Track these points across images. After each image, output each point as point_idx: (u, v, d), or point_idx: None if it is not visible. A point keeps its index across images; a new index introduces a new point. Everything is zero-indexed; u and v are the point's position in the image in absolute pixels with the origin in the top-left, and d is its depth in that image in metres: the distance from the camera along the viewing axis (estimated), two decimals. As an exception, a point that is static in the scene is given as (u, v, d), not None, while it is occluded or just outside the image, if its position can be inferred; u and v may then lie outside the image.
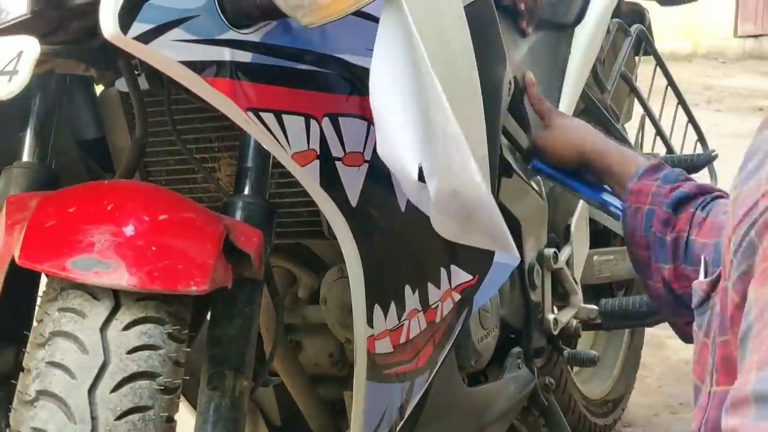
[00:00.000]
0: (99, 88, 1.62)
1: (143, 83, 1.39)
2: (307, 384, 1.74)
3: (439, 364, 1.60)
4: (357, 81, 1.31)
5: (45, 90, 1.37)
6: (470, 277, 1.54)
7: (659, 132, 2.51)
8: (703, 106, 6.95)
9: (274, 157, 1.28)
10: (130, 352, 1.07)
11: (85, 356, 1.06)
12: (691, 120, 2.61)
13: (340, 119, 1.27)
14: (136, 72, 1.36)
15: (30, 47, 1.03)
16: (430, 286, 1.49)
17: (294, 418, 1.81)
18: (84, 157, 1.63)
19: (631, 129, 2.57)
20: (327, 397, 1.78)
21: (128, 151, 1.43)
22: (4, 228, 1.20)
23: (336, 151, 1.27)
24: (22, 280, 1.19)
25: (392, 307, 1.42)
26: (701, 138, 2.60)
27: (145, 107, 1.39)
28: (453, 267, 1.52)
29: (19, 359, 1.23)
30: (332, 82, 1.27)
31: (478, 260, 1.56)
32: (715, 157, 2.40)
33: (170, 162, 1.58)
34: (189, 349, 1.15)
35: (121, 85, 1.47)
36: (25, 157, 1.33)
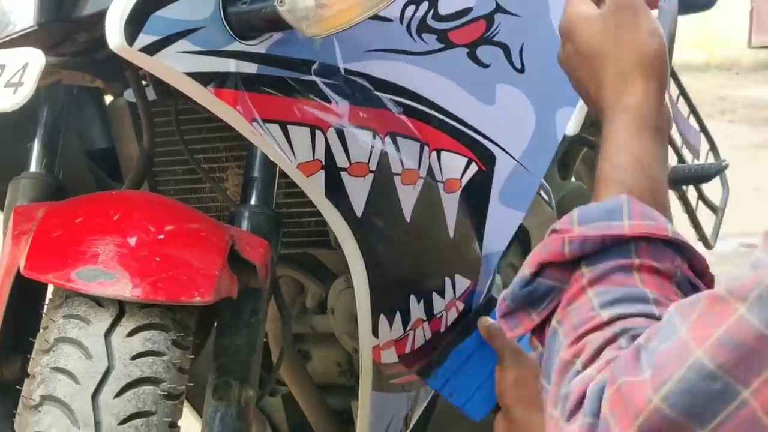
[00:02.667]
0: (108, 99, 1.63)
1: (151, 94, 1.40)
2: (315, 393, 1.75)
3: (445, 374, 1.60)
4: (361, 89, 1.31)
5: (53, 101, 1.38)
6: (469, 282, 1.54)
7: (670, 141, 2.49)
8: (716, 117, 6.92)
9: (280, 167, 1.29)
10: (134, 357, 1.08)
11: (89, 362, 1.07)
12: (703, 129, 2.59)
13: (346, 129, 1.28)
14: (144, 83, 1.37)
15: (35, 59, 1.04)
16: (435, 296, 1.49)
17: (302, 427, 1.82)
18: (93, 167, 1.64)
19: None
20: (335, 407, 1.78)
21: (136, 162, 1.44)
22: (11, 238, 1.20)
23: (341, 161, 1.28)
24: (29, 289, 1.20)
25: (397, 317, 1.43)
26: (713, 147, 2.58)
27: (152, 117, 1.40)
28: (457, 276, 1.52)
29: (25, 368, 1.24)
30: (338, 92, 1.27)
31: (476, 265, 1.56)
32: (726, 166, 2.38)
33: (178, 172, 1.58)
34: (194, 357, 1.16)
35: (130, 95, 1.48)
36: (33, 167, 1.34)
